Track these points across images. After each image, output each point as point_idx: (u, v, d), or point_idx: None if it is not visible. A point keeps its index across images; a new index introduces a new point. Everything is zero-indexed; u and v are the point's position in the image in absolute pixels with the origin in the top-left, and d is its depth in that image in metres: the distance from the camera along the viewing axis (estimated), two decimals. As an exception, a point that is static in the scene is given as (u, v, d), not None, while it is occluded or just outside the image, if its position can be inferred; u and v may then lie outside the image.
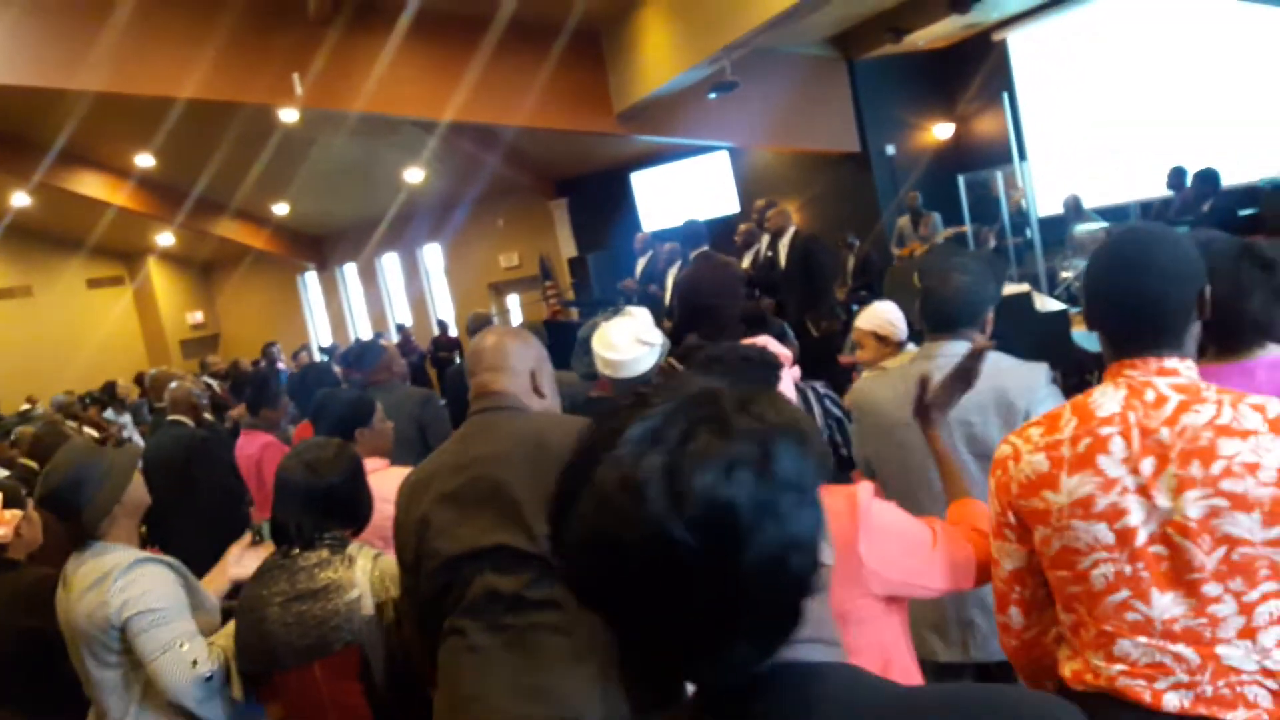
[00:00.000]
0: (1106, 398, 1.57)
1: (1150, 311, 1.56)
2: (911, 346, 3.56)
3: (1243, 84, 9.21)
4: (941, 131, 12.92)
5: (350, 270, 19.88)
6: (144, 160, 13.79)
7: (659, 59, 10.48)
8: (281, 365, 12.54)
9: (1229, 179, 8.39)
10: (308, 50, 10.07)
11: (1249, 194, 8.42)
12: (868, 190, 12.58)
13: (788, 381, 1.91)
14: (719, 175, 13.95)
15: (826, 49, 12.26)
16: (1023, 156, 11.43)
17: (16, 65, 9.41)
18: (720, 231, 10.40)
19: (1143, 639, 1.53)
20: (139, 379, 12.21)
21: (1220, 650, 1.49)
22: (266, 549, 2.52)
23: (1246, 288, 2.04)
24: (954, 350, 2.43)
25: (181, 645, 2.32)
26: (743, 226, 8.97)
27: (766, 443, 0.76)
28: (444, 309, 18.19)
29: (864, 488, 1.74)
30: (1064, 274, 8.91)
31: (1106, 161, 10.89)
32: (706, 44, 9.61)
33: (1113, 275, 1.61)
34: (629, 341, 2.71)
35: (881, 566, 1.66)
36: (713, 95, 10.37)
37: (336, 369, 7.51)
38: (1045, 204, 11.61)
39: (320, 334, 20.57)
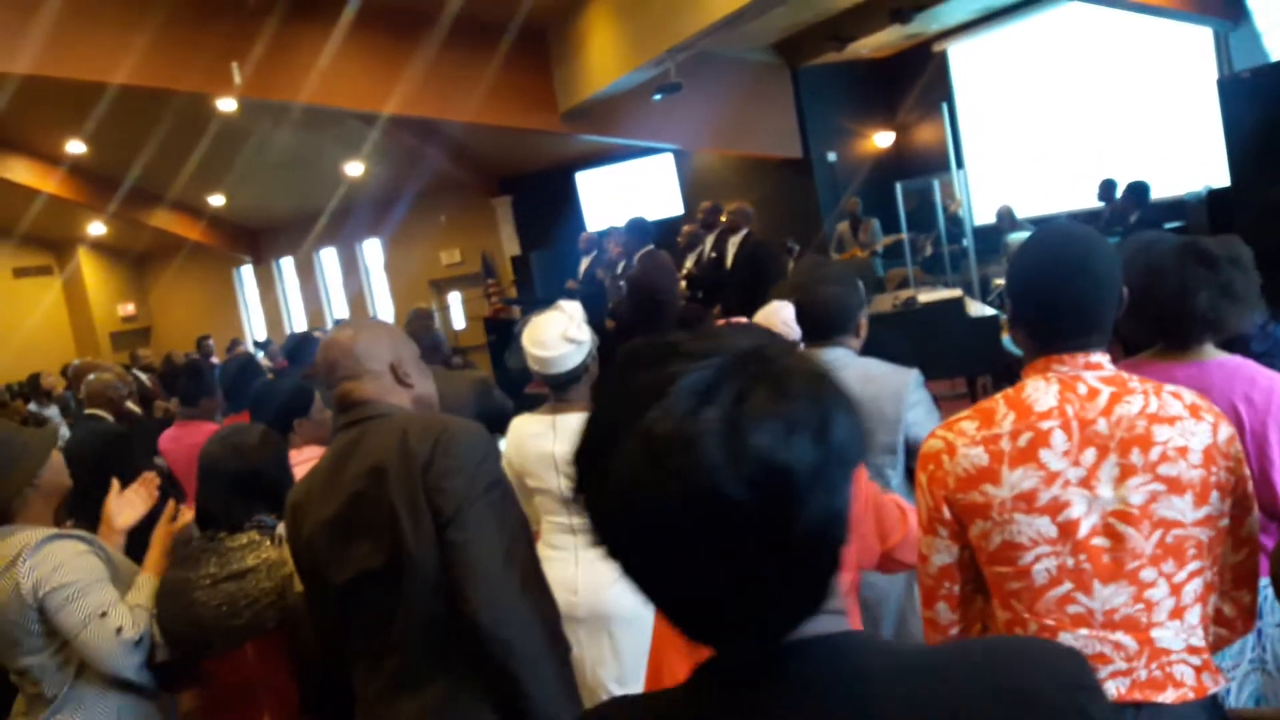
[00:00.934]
0: (1040, 392, 1.59)
1: (1077, 308, 1.59)
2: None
3: (1172, 101, 9.48)
4: (882, 140, 13.10)
5: (288, 264, 19.57)
6: (75, 147, 13.44)
7: (604, 59, 10.48)
8: (215, 360, 12.30)
9: (1158, 192, 8.64)
10: (247, 39, 9.87)
11: (1175, 207, 8.68)
12: (809, 196, 12.72)
13: None
14: (664, 177, 13.99)
15: (771, 55, 12.38)
16: (960, 165, 11.64)
17: (-59, 45, 9.12)
18: (664, 233, 10.43)
19: (1084, 631, 1.55)
20: (64, 371, 11.88)
21: (1155, 634, 1.54)
22: (149, 494, 2.52)
23: (1191, 286, 2.08)
24: (830, 356, 2.56)
25: (103, 615, 2.25)
26: (686, 228, 9.01)
27: (824, 408, 0.74)
28: (383, 305, 17.99)
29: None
30: (996, 281, 9.09)
31: (1041, 172, 11.14)
32: (652, 45, 9.64)
33: (1038, 274, 1.64)
34: (556, 338, 2.71)
35: (859, 543, 1.73)
36: (657, 97, 10.41)
37: (265, 361, 7.41)
38: (981, 213, 11.84)
39: (255, 329, 20.20)
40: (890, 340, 3.92)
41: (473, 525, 1.78)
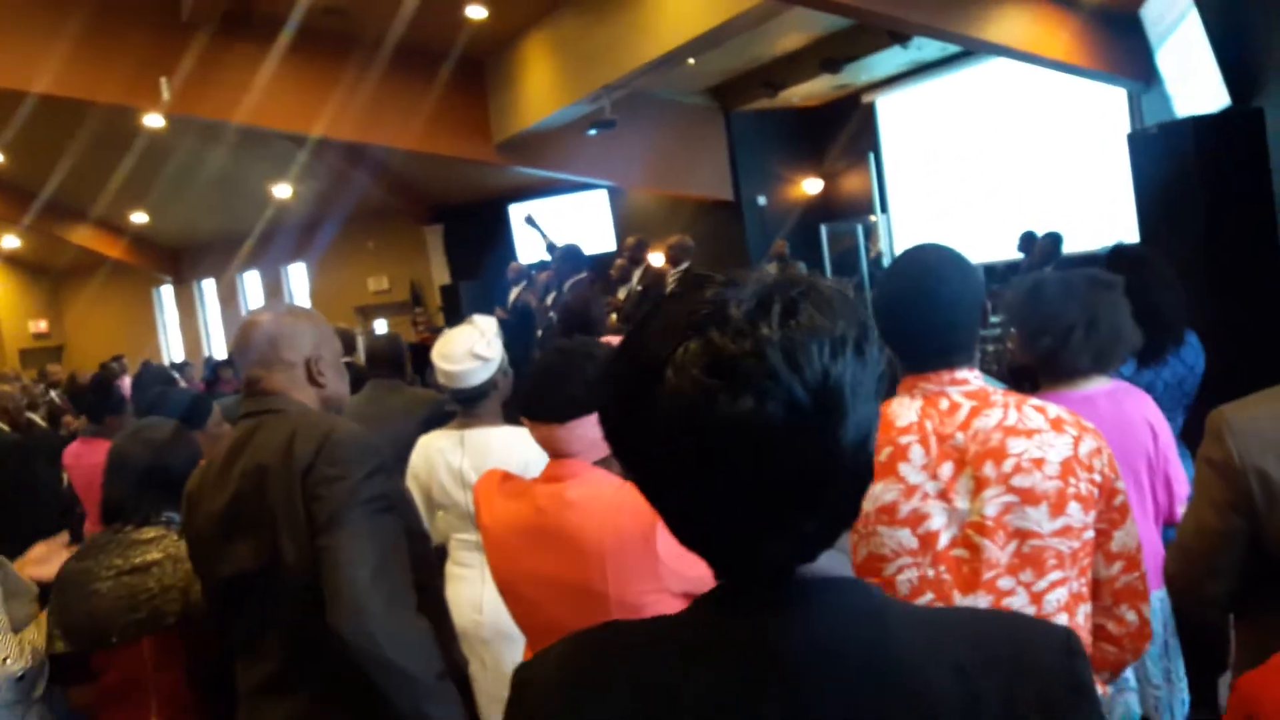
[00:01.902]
0: (904, 408, 1.64)
1: (940, 329, 1.63)
2: None
3: (1088, 157, 9.85)
4: (811, 186, 13.37)
5: (209, 286, 19.16)
6: (-11, 156, 13.07)
7: (540, 93, 10.55)
8: (127, 379, 11.92)
9: (1076, 245, 8.93)
10: (177, 53, 9.69)
11: (1089, 260, 8.95)
12: (738, 238, 12.89)
13: None
14: (597, 213, 14.07)
15: (705, 98, 12.59)
16: (885, 211, 11.93)
17: None
18: (598, 269, 10.47)
19: None
20: (-33, 386, 11.43)
21: None
22: (71, 550, 2.41)
23: (1099, 315, 2.26)
24: None
25: None
26: (619, 261, 9.07)
27: (862, 323, 0.78)
28: (308, 332, 17.68)
29: None
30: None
31: (962, 222, 11.45)
32: (587, 81, 9.75)
33: (902, 296, 1.67)
34: (464, 353, 2.69)
35: (678, 563, 1.67)
36: (592, 132, 10.50)
37: (182, 384, 7.23)
38: (905, 260, 12.10)
39: (174, 351, 19.72)
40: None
41: (344, 533, 1.73)
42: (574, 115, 10.56)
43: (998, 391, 1.63)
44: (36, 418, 6.23)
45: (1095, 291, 2.33)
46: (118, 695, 2.21)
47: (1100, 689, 1.61)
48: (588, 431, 1.76)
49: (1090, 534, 1.59)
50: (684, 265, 7.91)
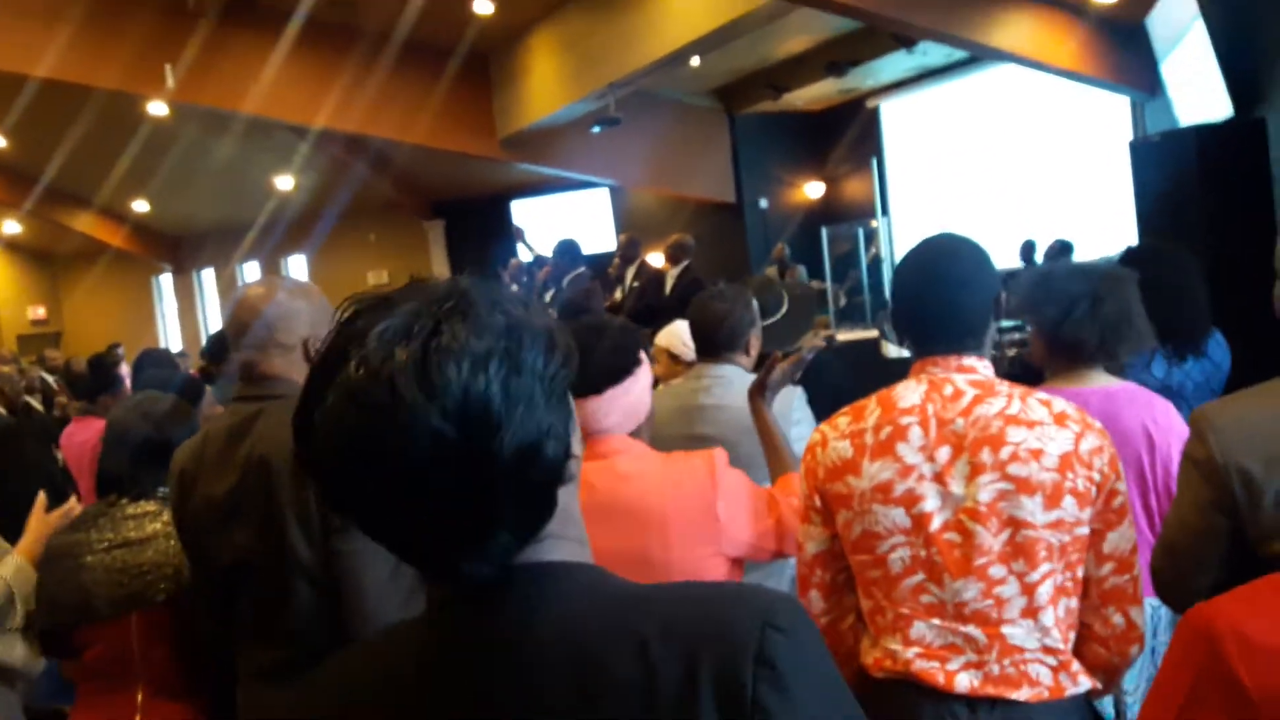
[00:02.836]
0: (909, 391, 1.66)
1: (950, 314, 1.67)
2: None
3: (1091, 165, 9.85)
4: (813, 190, 13.37)
5: (209, 276, 19.12)
6: (-9, 140, 13.01)
7: (545, 89, 10.54)
8: (125, 367, 11.91)
9: (1080, 253, 8.92)
10: (181, 40, 9.66)
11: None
12: (739, 240, 12.88)
13: (647, 377, 1.92)
14: (599, 211, 14.06)
15: (710, 100, 12.59)
16: (885, 214, 11.92)
17: None
18: (597, 268, 10.46)
19: (937, 620, 1.59)
20: (-36, 369, 11.41)
21: (1005, 630, 1.57)
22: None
23: (1106, 293, 2.27)
24: (719, 372, 2.62)
25: None
26: (618, 260, 9.05)
27: (515, 335, 0.78)
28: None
29: (719, 453, 1.83)
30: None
31: (964, 229, 11.44)
32: (592, 79, 9.74)
33: (916, 282, 1.73)
34: None
35: (735, 528, 1.76)
36: (596, 129, 10.49)
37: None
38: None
39: (172, 340, 19.67)
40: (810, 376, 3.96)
41: (359, 535, 1.71)
42: (579, 112, 10.55)
43: (1004, 383, 1.65)
44: (34, 402, 6.21)
45: (1105, 274, 2.34)
46: (104, 671, 2.18)
47: (1082, 682, 1.60)
48: (621, 398, 1.82)
49: (1084, 530, 1.59)
50: (683, 264, 7.89)
